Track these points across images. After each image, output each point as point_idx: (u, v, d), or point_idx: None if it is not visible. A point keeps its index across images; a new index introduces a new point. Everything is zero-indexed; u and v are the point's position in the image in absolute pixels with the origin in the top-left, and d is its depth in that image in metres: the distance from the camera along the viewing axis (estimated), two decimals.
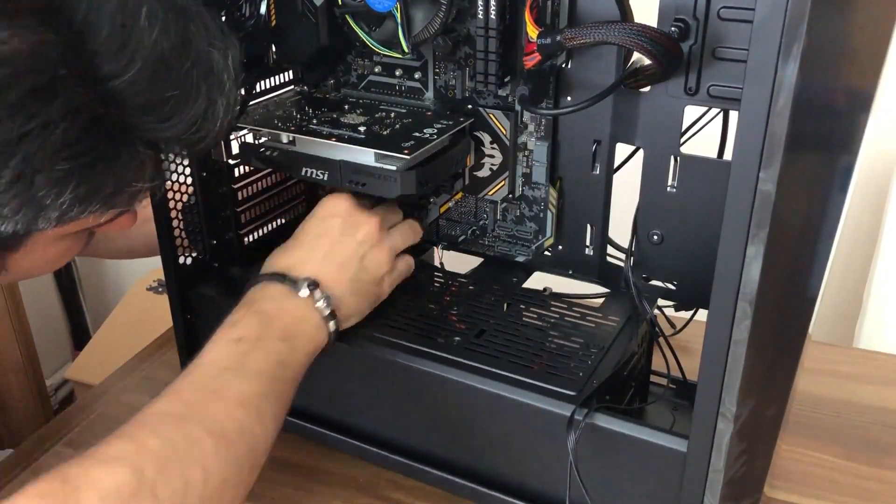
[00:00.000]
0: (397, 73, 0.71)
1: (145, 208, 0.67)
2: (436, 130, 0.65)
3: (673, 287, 0.66)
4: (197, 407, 0.50)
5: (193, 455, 0.47)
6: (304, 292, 0.59)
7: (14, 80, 0.41)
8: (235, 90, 0.50)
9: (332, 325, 0.60)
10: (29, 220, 0.45)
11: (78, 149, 0.44)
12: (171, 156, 0.66)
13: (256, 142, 0.69)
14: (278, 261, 0.62)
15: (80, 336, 1.84)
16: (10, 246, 0.50)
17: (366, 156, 0.62)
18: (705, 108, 0.60)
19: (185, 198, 0.69)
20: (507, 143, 0.68)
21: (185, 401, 0.50)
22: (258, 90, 0.72)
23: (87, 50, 0.44)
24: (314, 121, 0.68)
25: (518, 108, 0.67)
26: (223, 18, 0.66)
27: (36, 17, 0.42)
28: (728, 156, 0.56)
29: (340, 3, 0.65)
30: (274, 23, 0.67)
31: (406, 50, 0.63)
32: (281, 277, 0.60)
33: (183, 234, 0.70)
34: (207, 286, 0.71)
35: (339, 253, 0.62)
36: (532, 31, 0.56)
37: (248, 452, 0.50)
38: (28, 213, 0.45)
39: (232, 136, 0.70)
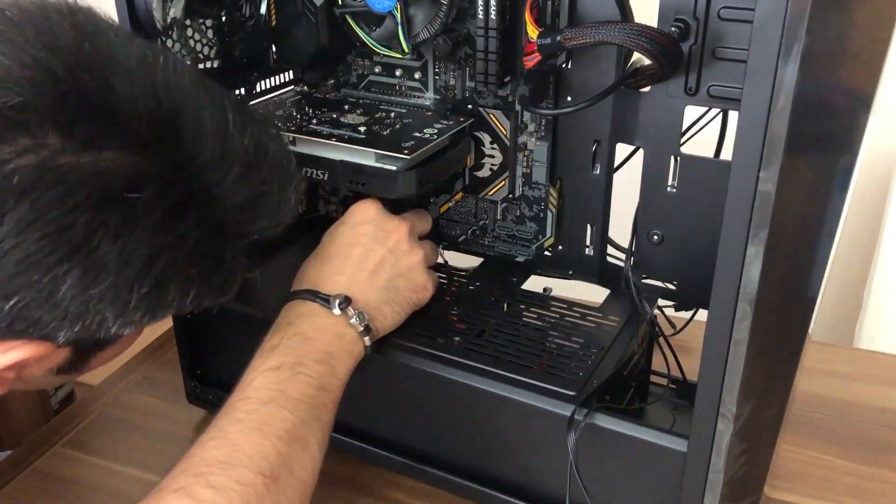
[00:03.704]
0: (397, 73, 0.71)
1: None
2: (436, 130, 0.65)
3: (673, 287, 0.66)
4: (244, 448, 0.50)
5: (246, 498, 0.48)
6: (337, 311, 0.58)
7: (156, 201, 0.44)
8: (298, 174, 0.53)
9: (367, 339, 0.59)
10: (148, 319, 0.47)
11: (205, 253, 0.47)
12: None
13: None
14: (310, 274, 0.62)
15: None
16: (104, 345, 0.51)
17: (366, 156, 0.63)
18: (705, 108, 0.60)
19: None
20: (507, 143, 0.68)
21: (231, 443, 0.50)
22: (258, 90, 0.72)
23: (199, 165, 0.46)
24: (314, 121, 0.68)
25: (518, 108, 0.67)
26: (223, 19, 0.66)
27: (154, 144, 0.44)
28: (726, 155, 0.56)
29: (340, 3, 0.65)
30: (274, 23, 0.67)
31: (406, 50, 0.63)
32: (313, 295, 0.59)
33: None
34: None
35: (371, 261, 0.62)
36: (532, 31, 0.56)
37: (298, 484, 0.51)
38: (153, 317, 0.47)
39: None
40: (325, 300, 0.59)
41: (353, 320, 0.58)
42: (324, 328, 0.58)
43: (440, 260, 0.78)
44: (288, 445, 0.51)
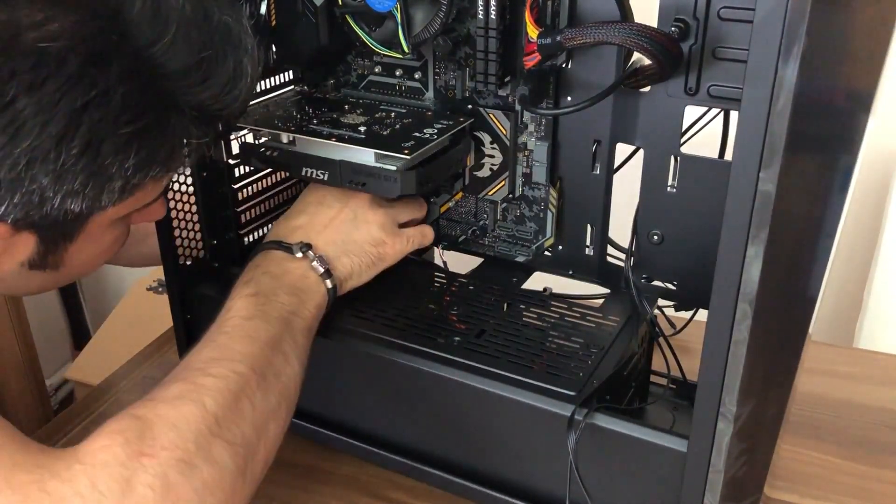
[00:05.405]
0: (397, 73, 0.71)
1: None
2: (436, 130, 0.65)
3: (673, 287, 0.66)
4: (236, 348, 0.55)
5: (242, 388, 0.52)
6: (299, 254, 0.64)
7: (71, 53, 0.44)
8: (257, 50, 0.53)
9: (328, 282, 0.64)
10: (95, 193, 0.47)
11: (136, 112, 0.46)
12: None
13: (256, 142, 0.69)
14: (276, 230, 0.68)
15: (80, 336, 1.83)
16: (69, 234, 0.52)
17: (366, 156, 0.63)
18: (705, 108, 0.60)
19: (185, 198, 0.69)
20: (508, 143, 0.68)
21: (223, 346, 0.55)
22: (258, 90, 0.72)
23: (126, 21, 0.46)
24: (314, 121, 0.68)
25: (518, 108, 0.67)
26: None
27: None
28: (728, 156, 0.56)
29: (340, 3, 0.65)
30: (274, 23, 0.67)
31: (406, 50, 0.63)
32: (277, 244, 0.65)
33: (183, 235, 0.70)
34: (207, 286, 0.71)
35: (331, 217, 0.67)
36: (532, 31, 0.56)
37: (283, 389, 0.56)
38: (95, 186, 0.47)
39: (232, 136, 0.70)
40: (288, 248, 0.64)
41: (314, 263, 0.64)
42: (289, 270, 0.63)
43: (439, 261, 0.78)
44: (272, 353, 0.56)
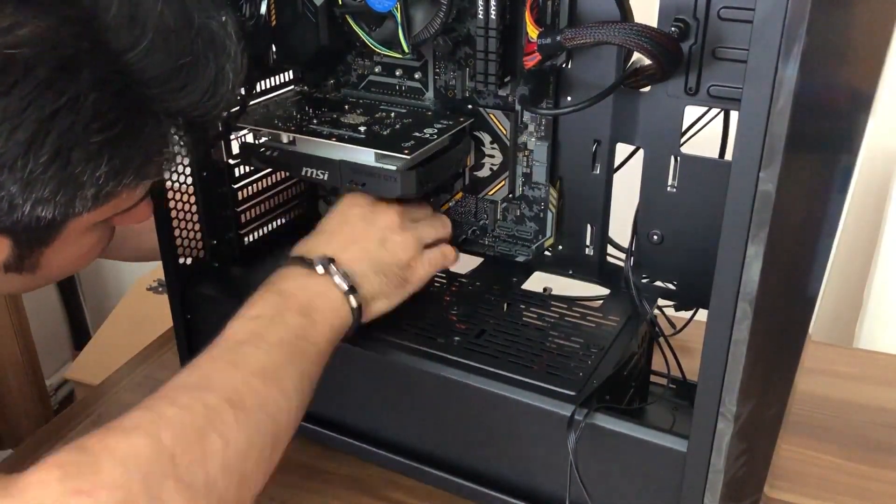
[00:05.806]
0: (397, 73, 0.71)
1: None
2: (436, 130, 0.65)
3: (673, 287, 0.66)
4: (214, 377, 0.50)
5: (212, 423, 0.47)
6: (320, 269, 0.59)
7: (40, 59, 0.43)
8: (241, 56, 0.51)
9: (353, 300, 0.59)
10: (67, 200, 0.46)
11: (108, 119, 0.45)
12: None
13: (256, 142, 0.69)
14: (299, 247, 0.64)
15: (80, 336, 1.84)
16: (44, 239, 0.51)
17: (366, 156, 0.63)
18: (705, 108, 0.60)
19: (185, 198, 0.69)
20: (507, 143, 0.68)
21: (202, 373, 0.51)
22: (258, 90, 0.72)
23: (100, 26, 0.45)
24: (314, 121, 0.68)
25: (518, 108, 0.67)
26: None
27: (47, 2, 0.44)
28: (729, 156, 0.56)
29: (340, 3, 0.65)
30: (274, 23, 0.67)
31: (406, 50, 0.63)
32: (298, 260, 0.61)
33: (183, 234, 0.70)
34: (207, 286, 0.71)
35: (358, 235, 0.63)
36: (532, 31, 0.56)
37: (270, 422, 0.51)
38: (66, 193, 0.46)
39: (232, 136, 0.70)
40: (309, 263, 0.60)
41: (336, 278, 0.59)
42: (305, 286, 0.59)
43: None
44: (263, 384, 0.51)
